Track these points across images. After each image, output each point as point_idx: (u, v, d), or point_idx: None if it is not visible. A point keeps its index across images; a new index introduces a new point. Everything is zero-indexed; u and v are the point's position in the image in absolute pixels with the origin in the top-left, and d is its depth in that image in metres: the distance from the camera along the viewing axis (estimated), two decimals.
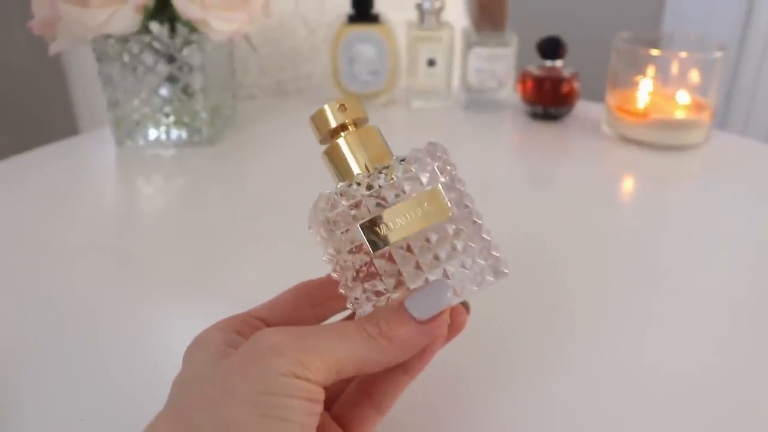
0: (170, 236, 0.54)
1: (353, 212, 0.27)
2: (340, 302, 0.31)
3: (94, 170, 0.69)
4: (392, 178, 0.28)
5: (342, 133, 0.29)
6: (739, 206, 0.60)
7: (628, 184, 0.66)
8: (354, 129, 0.30)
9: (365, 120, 0.31)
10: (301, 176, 0.64)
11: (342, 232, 0.27)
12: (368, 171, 0.29)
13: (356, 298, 0.28)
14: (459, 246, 0.28)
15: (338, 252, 0.28)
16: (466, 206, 0.29)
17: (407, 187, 0.27)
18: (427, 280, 0.28)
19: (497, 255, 0.29)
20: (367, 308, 0.28)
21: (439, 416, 0.34)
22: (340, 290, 0.29)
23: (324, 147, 0.30)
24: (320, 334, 0.25)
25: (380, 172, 0.28)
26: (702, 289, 0.46)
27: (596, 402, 0.35)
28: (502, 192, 0.62)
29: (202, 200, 0.61)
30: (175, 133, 0.70)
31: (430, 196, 0.27)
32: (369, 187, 0.27)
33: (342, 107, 0.29)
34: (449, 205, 0.28)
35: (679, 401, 0.35)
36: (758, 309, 0.43)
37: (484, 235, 0.29)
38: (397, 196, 0.27)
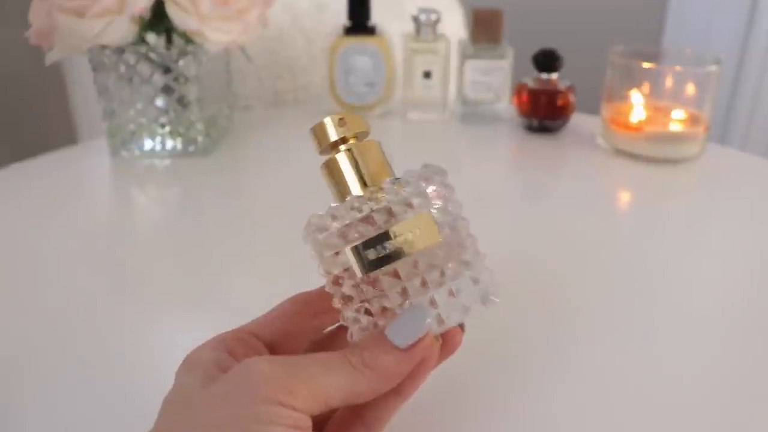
0: (165, 247, 0.54)
1: (343, 236, 0.27)
2: (335, 314, 0.30)
3: (90, 180, 0.69)
4: (384, 202, 0.27)
5: (341, 147, 0.29)
6: (734, 219, 0.59)
7: (623, 197, 0.66)
8: (354, 143, 0.29)
9: (366, 134, 0.30)
10: (297, 187, 0.64)
11: (332, 255, 0.27)
12: (365, 188, 0.28)
13: (347, 317, 0.28)
14: (448, 272, 0.27)
15: (328, 273, 0.28)
16: (459, 232, 0.28)
17: (398, 212, 0.27)
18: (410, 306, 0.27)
19: (488, 282, 0.28)
20: (360, 325, 0.28)
21: (440, 427, 0.34)
22: (335, 305, 0.29)
23: (323, 158, 0.30)
24: (307, 364, 0.25)
25: (370, 196, 0.27)
26: (697, 302, 0.45)
27: (595, 412, 0.35)
28: (497, 205, 0.62)
29: (197, 211, 0.61)
30: (170, 143, 0.70)
31: (421, 221, 0.27)
32: (360, 210, 0.27)
33: (341, 121, 0.29)
34: (440, 230, 0.27)
35: (676, 410, 0.35)
36: (754, 321, 0.43)
37: (475, 261, 0.28)
38: (386, 221, 0.27)
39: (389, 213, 0.27)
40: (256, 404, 0.23)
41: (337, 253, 0.27)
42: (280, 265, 0.50)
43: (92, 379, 0.38)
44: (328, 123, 0.29)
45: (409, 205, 0.27)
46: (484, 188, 0.65)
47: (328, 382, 0.25)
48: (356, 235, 0.27)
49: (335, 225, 0.27)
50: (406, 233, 0.27)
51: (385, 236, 0.27)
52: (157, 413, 0.26)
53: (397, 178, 0.28)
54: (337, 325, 0.32)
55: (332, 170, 0.29)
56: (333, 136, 0.29)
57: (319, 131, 0.29)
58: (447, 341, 0.29)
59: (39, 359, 0.39)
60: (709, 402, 0.36)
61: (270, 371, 0.24)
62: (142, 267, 0.50)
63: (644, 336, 0.42)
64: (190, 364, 0.27)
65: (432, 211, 0.27)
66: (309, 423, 0.24)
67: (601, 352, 0.40)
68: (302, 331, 0.31)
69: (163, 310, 0.45)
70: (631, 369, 0.39)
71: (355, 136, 0.30)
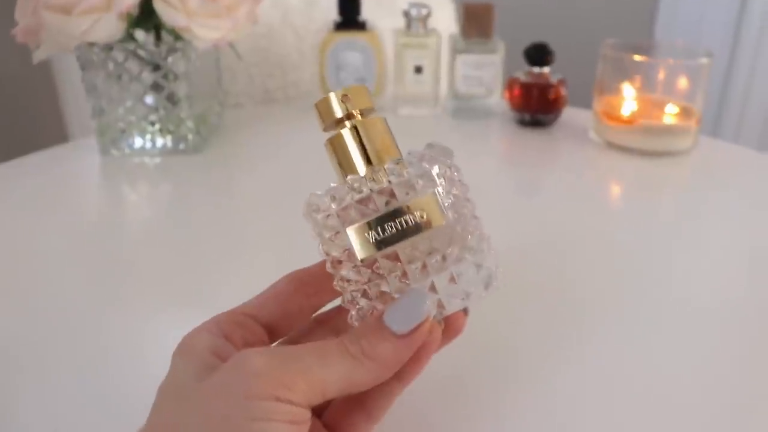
0: (155, 244, 0.53)
1: (342, 217, 0.26)
2: (334, 291, 0.29)
3: (80, 178, 0.68)
4: (386, 182, 0.26)
5: (347, 124, 0.28)
6: (727, 211, 0.59)
7: (615, 191, 0.66)
8: (360, 120, 0.28)
9: (371, 110, 0.29)
10: (287, 184, 0.64)
11: (331, 236, 0.26)
12: (369, 167, 0.27)
13: (349, 300, 0.28)
14: (450, 257, 0.26)
15: (328, 254, 0.27)
16: (464, 215, 0.27)
17: (399, 194, 0.26)
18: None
19: (491, 267, 0.27)
20: (359, 308, 0.27)
21: (437, 422, 0.34)
22: (335, 286, 0.28)
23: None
24: (303, 355, 0.24)
25: (372, 177, 0.26)
26: (691, 294, 0.45)
27: (589, 403, 0.35)
28: (489, 199, 0.61)
29: (187, 208, 0.61)
30: (160, 141, 0.70)
31: (424, 203, 0.26)
32: (359, 192, 0.26)
33: (345, 97, 0.28)
34: (443, 213, 0.26)
35: (672, 401, 0.35)
36: (748, 312, 0.43)
37: (479, 246, 0.27)
38: (387, 203, 0.26)
39: (390, 195, 0.26)
40: (250, 400, 0.22)
41: (336, 234, 0.26)
42: (271, 261, 0.49)
43: (84, 377, 0.37)
44: (333, 98, 0.28)
45: (412, 187, 0.26)
46: (476, 183, 0.64)
47: (325, 372, 0.24)
48: (356, 216, 0.26)
49: (334, 206, 0.26)
50: (408, 216, 0.25)
51: (385, 218, 0.25)
52: (148, 411, 0.25)
53: (400, 159, 0.27)
54: (338, 305, 0.31)
55: (336, 147, 0.28)
56: (338, 112, 0.28)
57: (323, 107, 0.28)
58: (450, 325, 0.28)
59: (31, 357, 0.39)
60: (706, 393, 0.36)
61: (264, 365, 0.23)
62: (133, 265, 0.50)
63: (637, 328, 0.42)
64: (185, 349, 0.26)
65: (436, 192, 0.26)
66: (307, 416, 0.23)
67: (595, 344, 0.40)
68: (300, 310, 0.30)
69: (154, 307, 0.44)
70: (626, 361, 0.38)
71: (361, 113, 0.28)
